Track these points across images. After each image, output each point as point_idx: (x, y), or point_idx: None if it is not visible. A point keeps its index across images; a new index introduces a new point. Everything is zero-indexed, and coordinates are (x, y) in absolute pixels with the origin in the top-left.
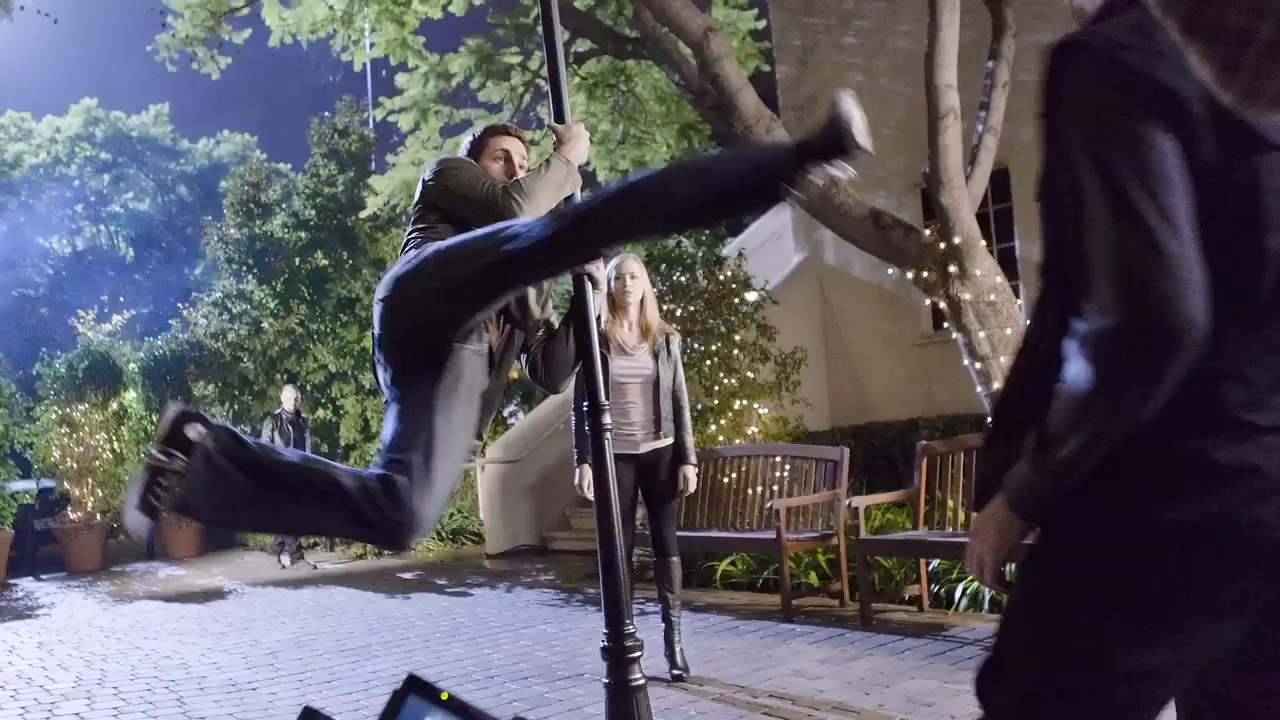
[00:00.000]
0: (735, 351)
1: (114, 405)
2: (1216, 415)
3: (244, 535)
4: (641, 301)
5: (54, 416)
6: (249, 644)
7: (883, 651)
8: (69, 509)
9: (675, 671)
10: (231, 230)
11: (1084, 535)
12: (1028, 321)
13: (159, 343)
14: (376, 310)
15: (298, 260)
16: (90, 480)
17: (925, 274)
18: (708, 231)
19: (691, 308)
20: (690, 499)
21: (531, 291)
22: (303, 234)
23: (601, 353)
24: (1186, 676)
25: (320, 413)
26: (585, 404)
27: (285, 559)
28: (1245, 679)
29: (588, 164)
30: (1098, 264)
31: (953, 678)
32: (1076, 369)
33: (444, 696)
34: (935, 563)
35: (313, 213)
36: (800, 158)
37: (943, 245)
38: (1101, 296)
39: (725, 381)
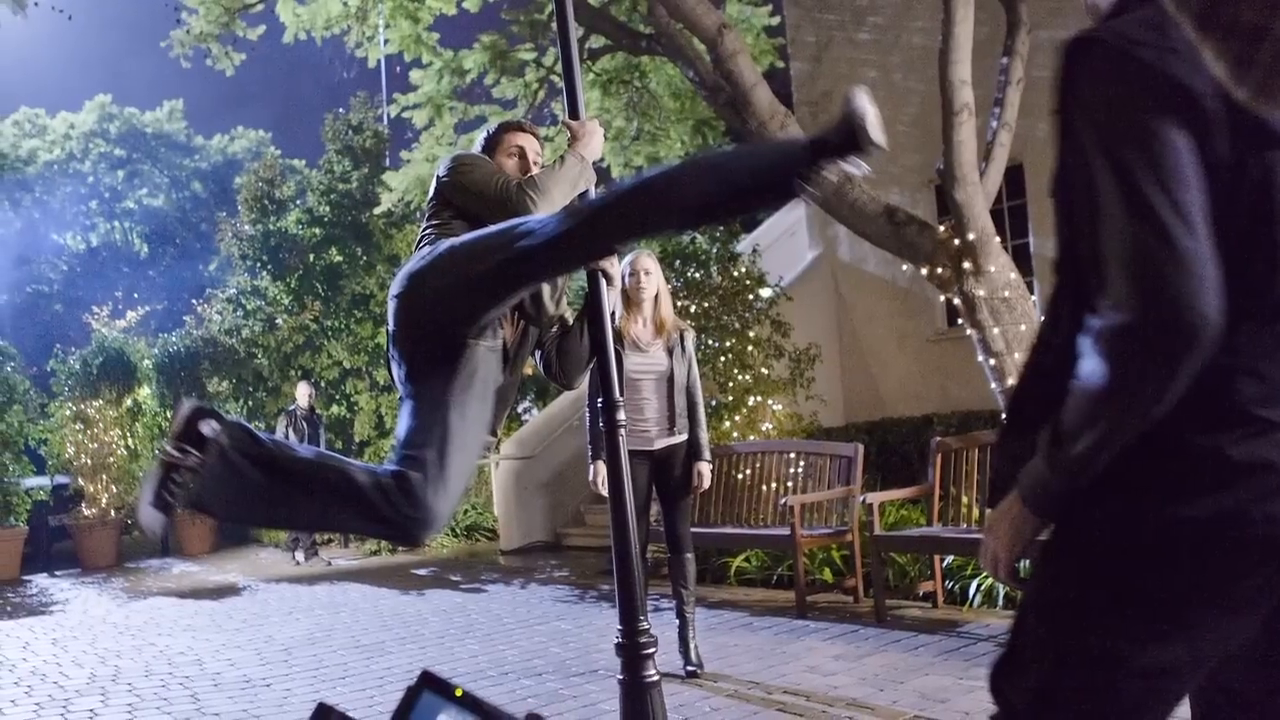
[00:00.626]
0: (749, 348)
1: (128, 401)
2: (1231, 411)
3: (258, 532)
4: (656, 298)
5: (68, 413)
6: (263, 640)
7: (897, 648)
8: (83, 505)
9: (689, 668)
10: (246, 226)
11: (1098, 531)
12: (1042, 318)
13: (173, 339)
14: (391, 306)
15: (312, 256)
16: (104, 476)
17: (940, 270)
18: (722, 228)
19: (706, 304)
20: (704, 495)
21: (546, 288)
22: (317, 230)
23: (616, 349)
24: (1201, 672)
25: (334, 409)
26: (600, 400)
27: (299, 555)
28: (1259, 675)
29: (602, 160)
30: (1112, 260)
31: (967, 674)
32: (1091, 365)
33: (458, 693)
34: (949, 559)
35: (327, 209)
36: (814, 154)
37: (957, 241)
38: (1116, 293)
39: (739, 378)
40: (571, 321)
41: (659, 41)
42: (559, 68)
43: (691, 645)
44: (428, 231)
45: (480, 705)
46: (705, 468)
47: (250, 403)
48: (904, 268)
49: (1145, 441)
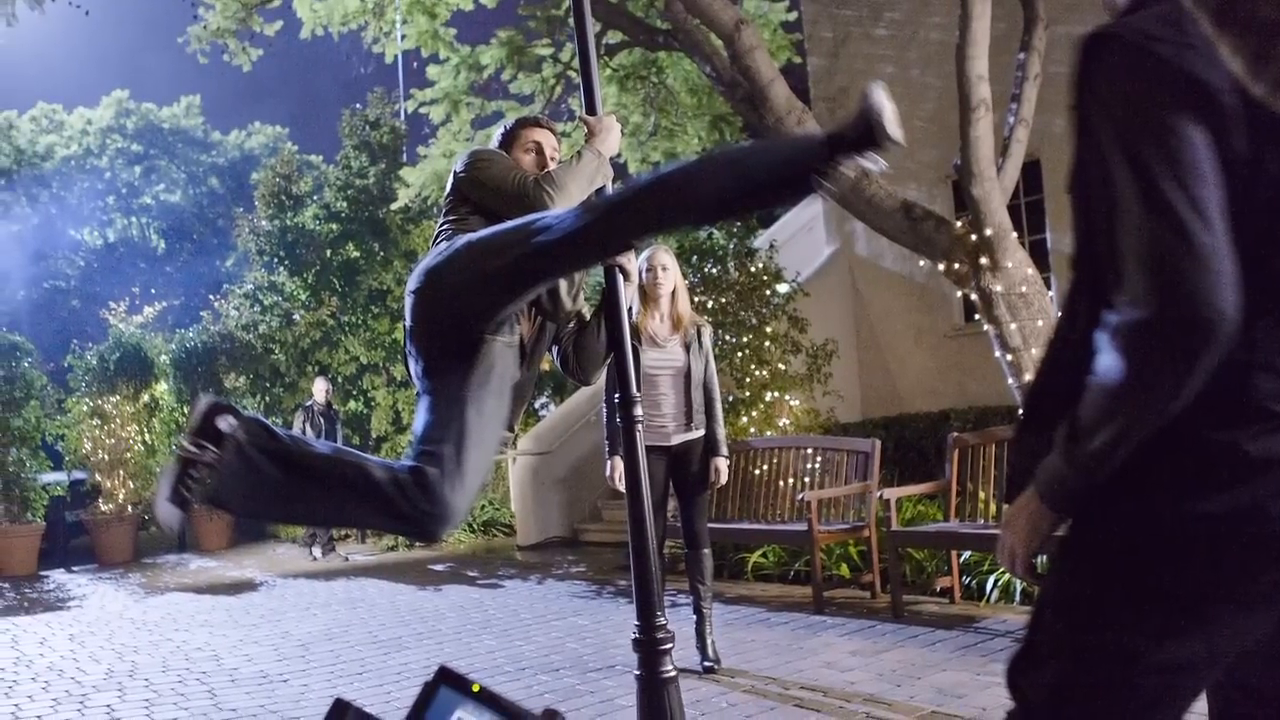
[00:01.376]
0: (766, 343)
1: (145, 397)
2: (1247, 407)
3: (275, 527)
4: (673, 293)
5: (85, 408)
6: (280, 636)
7: (914, 643)
8: (100, 501)
9: (707, 663)
10: (263, 222)
11: (1115, 527)
12: (1059, 313)
13: (190, 334)
14: (408, 302)
15: (329, 252)
16: (121, 472)
17: (956, 266)
18: (739, 223)
19: (723, 299)
20: (721, 491)
21: (563, 283)
22: (334, 226)
23: (633, 345)
24: (1217, 668)
25: (351, 404)
26: (616, 396)
27: (316, 551)
28: (1276, 671)
29: (619, 156)
30: (1129, 256)
31: (984, 669)
32: (1108, 361)
33: (475, 688)
34: (966, 554)
35: (344, 204)
36: (831, 150)
37: (974, 237)
38: (1133, 288)
39: (756, 373)
40: (589, 317)
41: (676, 37)
42: (576, 63)
43: (709, 641)
44: (445, 227)
45: (497, 700)
46: (722, 463)
47: (267, 398)
48: (921, 263)
49: (1162, 437)
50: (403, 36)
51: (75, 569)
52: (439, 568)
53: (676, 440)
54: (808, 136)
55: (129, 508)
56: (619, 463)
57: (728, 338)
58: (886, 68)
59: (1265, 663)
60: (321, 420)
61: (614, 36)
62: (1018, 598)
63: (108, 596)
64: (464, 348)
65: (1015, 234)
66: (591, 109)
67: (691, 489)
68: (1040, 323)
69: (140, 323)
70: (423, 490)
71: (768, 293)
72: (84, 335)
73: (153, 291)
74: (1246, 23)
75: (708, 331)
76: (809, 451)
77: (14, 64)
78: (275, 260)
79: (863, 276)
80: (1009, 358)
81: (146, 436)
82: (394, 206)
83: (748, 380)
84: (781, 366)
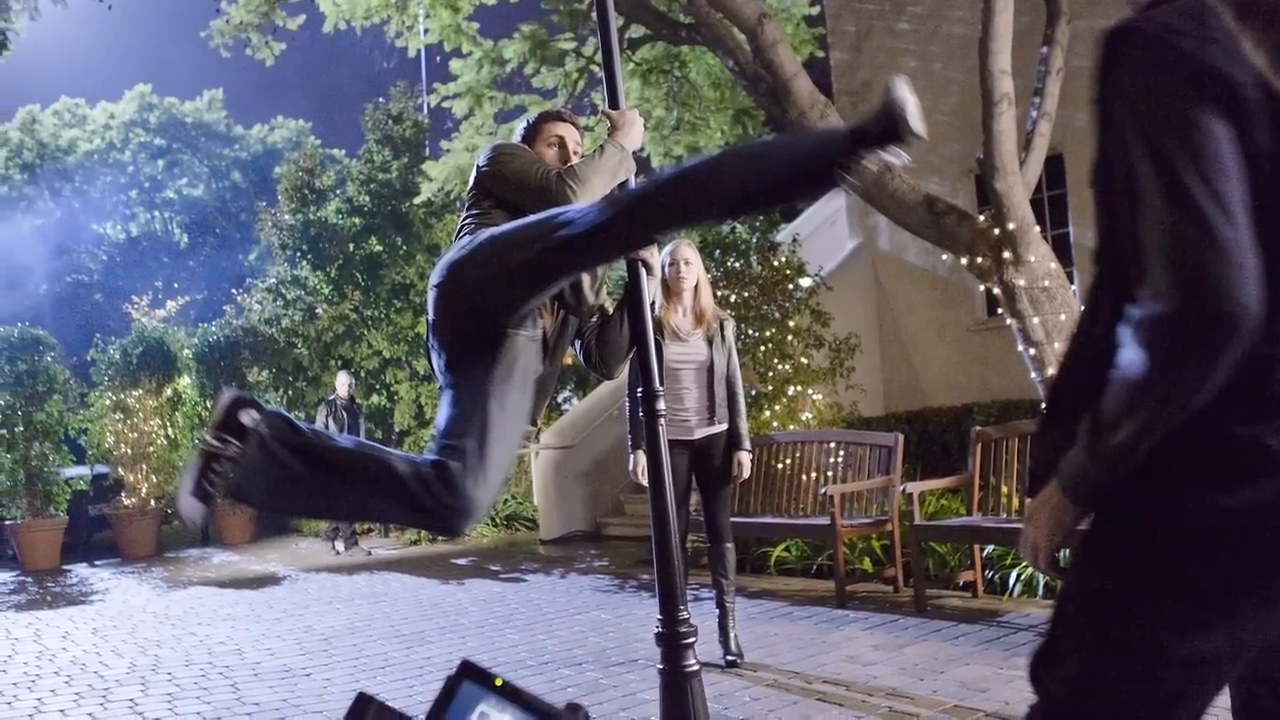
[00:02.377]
0: (789, 337)
1: (168, 391)
2: (1271, 401)
3: (298, 521)
4: (695, 287)
5: (108, 402)
6: (303, 630)
7: (937, 637)
8: (123, 495)
9: (729, 657)
10: (286, 216)
11: (1138, 521)
12: (1082, 307)
13: (213, 328)
14: (431, 296)
15: (352, 246)
16: (144, 466)
17: (979, 260)
18: (761, 217)
19: (745, 293)
20: (744, 485)
21: (586, 277)
22: (357, 220)
23: (655, 339)
24: (1240, 662)
25: (374, 399)
26: (639, 390)
27: (339, 545)
28: None
29: (642, 150)
30: (1152, 250)
31: (1007, 663)
32: (1131, 355)
33: (498, 682)
34: (989, 548)
35: (367, 198)
36: (854, 144)
37: (997, 231)
38: (1155, 282)
39: (779, 367)
40: (611, 311)
41: (699, 31)
42: (599, 57)
43: (731, 635)
44: (468, 221)
45: (520, 695)
46: (745, 457)
47: (290, 392)
48: (944, 257)
49: (1185, 431)
50: (425, 30)
51: (98, 563)
52: (461, 562)
53: (699, 434)
54: (830, 131)
55: (151, 502)
56: (642, 457)
57: (750, 332)
58: (909, 62)
59: None
60: (344, 414)
61: (637, 30)
62: (1040, 592)
63: (130, 591)
64: (486, 342)
65: (1038, 228)
66: (614, 103)
67: (714, 483)
68: (1063, 317)
69: (163, 317)
70: (445, 484)
71: (790, 287)
72: (107, 329)
73: (175, 286)
74: (1269, 17)
75: (730, 325)
76: (832, 445)
77: (37, 58)
78: (298, 254)
79: (885, 271)
80: (1032, 352)
81: (169, 431)
82: (417, 200)
83: (770, 374)
84: (804, 360)
